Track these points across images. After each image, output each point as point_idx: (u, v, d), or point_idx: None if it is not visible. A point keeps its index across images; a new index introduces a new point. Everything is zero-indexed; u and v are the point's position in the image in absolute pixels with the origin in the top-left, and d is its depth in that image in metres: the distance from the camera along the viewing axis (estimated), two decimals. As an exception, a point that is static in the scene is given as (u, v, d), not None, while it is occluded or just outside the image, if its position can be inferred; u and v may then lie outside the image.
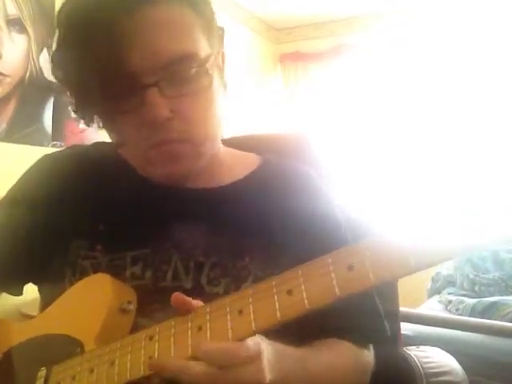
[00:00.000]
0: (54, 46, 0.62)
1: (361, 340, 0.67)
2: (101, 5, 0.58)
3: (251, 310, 0.46)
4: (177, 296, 0.51)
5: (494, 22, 3.00)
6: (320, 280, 0.44)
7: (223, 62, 0.72)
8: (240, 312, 0.47)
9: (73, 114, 0.65)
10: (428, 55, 3.25)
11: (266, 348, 0.49)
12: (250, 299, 0.47)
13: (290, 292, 0.45)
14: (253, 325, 0.46)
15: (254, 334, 0.47)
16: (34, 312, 0.86)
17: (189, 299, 0.51)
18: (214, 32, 0.67)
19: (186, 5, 0.62)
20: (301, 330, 0.53)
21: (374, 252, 0.42)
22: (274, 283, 0.46)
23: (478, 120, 3.04)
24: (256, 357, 0.47)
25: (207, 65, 0.62)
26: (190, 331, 0.49)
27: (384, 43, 3.42)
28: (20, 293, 0.76)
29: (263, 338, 0.50)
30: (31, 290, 0.77)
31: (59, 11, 0.61)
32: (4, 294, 0.76)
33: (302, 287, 0.44)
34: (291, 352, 0.56)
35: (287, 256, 0.66)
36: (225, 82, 0.71)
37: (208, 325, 0.48)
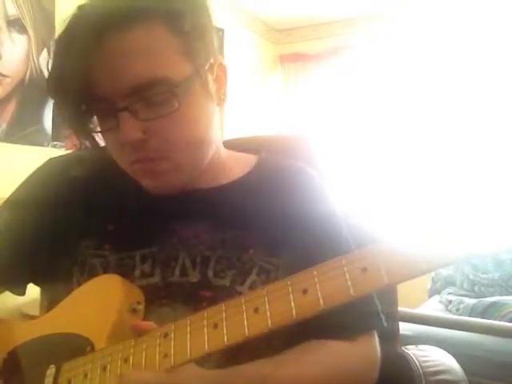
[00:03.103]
0: (49, 67, 0.64)
1: (355, 330, 0.67)
2: (75, 33, 0.59)
3: (267, 308, 0.47)
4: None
5: (495, 23, 3.00)
6: (335, 280, 0.45)
7: (223, 73, 0.70)
8: (256, 310, 0.48)
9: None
10: (427, 55, 3.26)
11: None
12: (266, 298, 0.48)
13: (305, 291, 0.46)
14: (269, 322, 0.47)
15: (269, 331, 0.47)
16: (35, 312, 0.86)
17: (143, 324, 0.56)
18: (199, 47, 0.64)
19: (161, 26, 0.61)
20: (291, 330, 0.54)
21: (386, 254, 0.44)
22: (288, 282, 0.47)
23: (480, 122, 3.04)
24: None
25: (178, 88, 0.61)
26: (206, 328, 0.50)
27: (383, 44, 3.42)
28: (23, 293, 0.77)
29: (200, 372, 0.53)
30: (32, 290, 0.77)
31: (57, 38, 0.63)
32: (5, 294, 0.77)
33: (317, 287, 0.45)
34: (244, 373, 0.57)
35: (288, 246, 0.68)
36: (222, 94, 0.70)
37: (224, 322, 0.49)
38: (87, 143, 0.67)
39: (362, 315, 0.67)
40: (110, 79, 0.60)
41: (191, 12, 0.64)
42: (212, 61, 0.67)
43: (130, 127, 0.60)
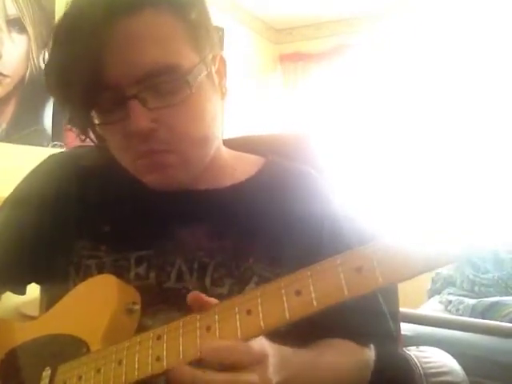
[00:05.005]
0: (46, 59, 0.62)
1: (364, 340, 0.68)
2: (82, 18, 0.58)
3: (260, 310, 0.47)
4: (195, 295, 0.51)
5: (495, 22, 3.00)
6: (329, 281, 0.44)
7: (223, 66, 0.71)
8: (249, 312, 0.47)
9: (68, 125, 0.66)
10: (427, 55, 3.26)
11: (271, 351, 0.50)
12: (259, 300, 0.47)
13: (298, 292, 0.45)
14: (262, 324, 0.46)
15: (263, 333, 0.47)
16: (34, 312, 0.86)
17: (205, 297, 0.51)
18: (204, 37, 0.65)
19: (169, 13, 0.61)
20: (303, 330, 0.54)
21: (381, 254, 0.43)
22: (282, 284, 0.47)
23: (479, 122, 3.04)
24: (261, 358, 0.47)
25: (190, 75, 0.61)
26: (198, 331, 0.49)
27: (384, 43, 3.42)
28: (23, 292, 0.76)
29: (269, 342, 0.51)
30: (30, 290, 0.77)
31: (55, 25, 0.61)
32: (4, 294, 0.76)
33: (311, 288, 0.45)
34: (298, 354, 0.57)
35: (291, 256, 0.66)
36: (223, 86, 0.70)
37: (217, 325, 0.48)
38: (92, 137, 0.66)
39: (376, 324, 0.69)
40: (121, 65, 0.58)
41: (194, 3, 0.64)
42: (214, 53, 0.67)
43: (139, 116, 0.59)
